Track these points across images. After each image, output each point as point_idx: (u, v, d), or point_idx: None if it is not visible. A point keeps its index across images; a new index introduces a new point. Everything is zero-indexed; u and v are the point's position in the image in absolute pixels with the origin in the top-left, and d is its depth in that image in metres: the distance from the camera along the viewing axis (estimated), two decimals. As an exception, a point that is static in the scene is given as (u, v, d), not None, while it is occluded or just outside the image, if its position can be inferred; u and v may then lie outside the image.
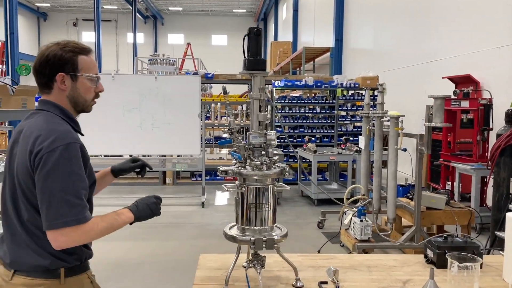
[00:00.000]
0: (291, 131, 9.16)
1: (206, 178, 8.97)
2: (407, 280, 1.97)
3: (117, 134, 7.00)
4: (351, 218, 4.95)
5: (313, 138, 8.74)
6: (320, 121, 9.23)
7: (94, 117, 3.61)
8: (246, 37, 1.83)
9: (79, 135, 1.67)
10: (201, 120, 7.12)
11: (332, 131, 9.17)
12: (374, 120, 5.09)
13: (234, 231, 1.90)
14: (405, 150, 4.58)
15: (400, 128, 4.61)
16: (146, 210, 1.68)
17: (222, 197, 7.90)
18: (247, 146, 1.86)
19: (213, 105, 9.03)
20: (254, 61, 1.85)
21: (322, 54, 17.47)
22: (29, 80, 18.82)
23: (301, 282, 1.90)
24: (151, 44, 29.55)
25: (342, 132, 9.18)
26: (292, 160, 9.01)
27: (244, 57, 1.86)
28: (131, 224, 1.68)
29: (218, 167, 1.87)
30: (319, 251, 4.98)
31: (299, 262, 2.18)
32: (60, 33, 27.43)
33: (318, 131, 9.18)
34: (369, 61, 12.48)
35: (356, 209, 4.88)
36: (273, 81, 9.12)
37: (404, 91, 9.72)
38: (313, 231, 5.88)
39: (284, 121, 9.25)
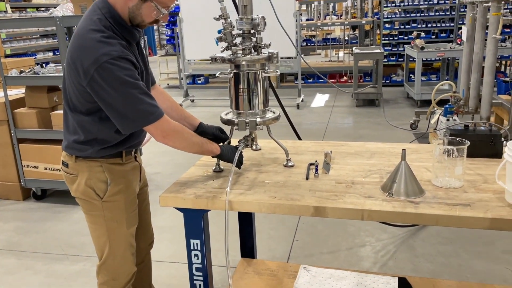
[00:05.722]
0: (402, 27, 8.39)
1: (309, 81, 9.00)
2: (403, 166, 1.92)
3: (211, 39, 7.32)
4: (438, 118, 4.62)
5: (424, 34, 7.91)
6: (437, 13, 8.22)
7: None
8: None
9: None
10: (297, 20, 6.99)
11: (452, 24, 8.12)
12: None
13: (230, 116, 2.04)
14: (503, 40, 3.95)
15: (499, 13, 3.95)
16: (230, 155, 1.81)
17: (321, 100, 7.89)
18: (233, 33, 1.91)
19: (315, 3, 8.65)
20: None
21: None
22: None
23: (292, 162, 2.00)
24: None
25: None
26: (402, 60, 8.37)
27: None
28: (213, 157, 1.84)
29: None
30: (401, 151, 4.83)
31: (306, 147, 2.26)
32: None
33: (434, 25, 8.23)
34: None
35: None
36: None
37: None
38: (404, 132, 5.62)
39: (394, 16, 8.47)
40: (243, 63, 1.90)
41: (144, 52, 1.82)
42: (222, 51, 1.95)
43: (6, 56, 8.12)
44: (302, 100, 7.49)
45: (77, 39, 1.56)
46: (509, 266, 2.75)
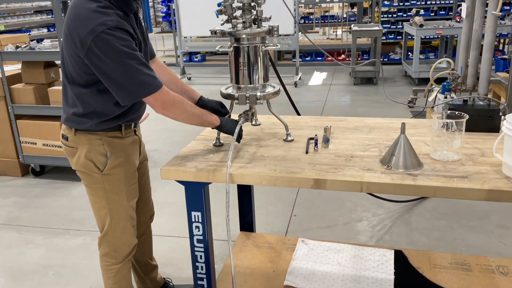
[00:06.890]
0: (401, 4, 8.30)
1: (307, 59, 8.94)
2: (402, 140, 1.93)
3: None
4: (436, 95, 4.62)
5: (423, 12, 7.83)
6: (437, -10, 8.14)
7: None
8: None
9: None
10: (295, -4, 6.90)
11: (451, 1, 8.04)
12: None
13: (230, 90, 2.04)
14: (502, 18, 3.92)
15: (500, -11, 3.91)
16: (231, 127, 1.83)
17: (318, 78, 7.86)
18: (234, 6, 1.89)
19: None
20: None
21: None
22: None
23: (291, 137, 2.02)
24: None
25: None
26: (400, 37, 8.32)
27: None
28: (213, 128, 1.83)
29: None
30: (398, 129, 4.85)
31: (306, 122, 2.27)
32: None
33: (433, 2, 8.15)
34: None
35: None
36: None
37: None
38: (401, 110, 5.65)
39: (393, -7, 8.38)
40: (244, 36, 1.89)
41: (143, 24, 1.80)
42: (222, 25, 1.93)
43: (0, 33, 8.00)
44: (299, 78, 7.46)
45: (73, 10, 1.55)
46: (503, 240, 2.81)
